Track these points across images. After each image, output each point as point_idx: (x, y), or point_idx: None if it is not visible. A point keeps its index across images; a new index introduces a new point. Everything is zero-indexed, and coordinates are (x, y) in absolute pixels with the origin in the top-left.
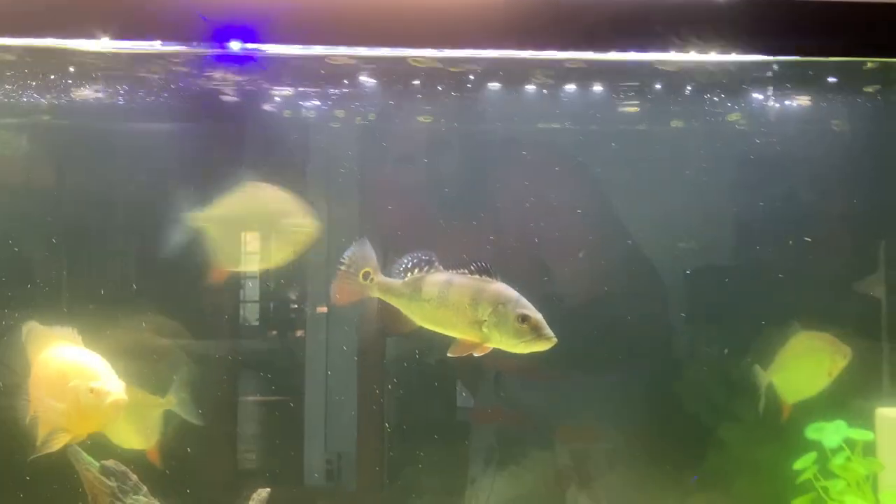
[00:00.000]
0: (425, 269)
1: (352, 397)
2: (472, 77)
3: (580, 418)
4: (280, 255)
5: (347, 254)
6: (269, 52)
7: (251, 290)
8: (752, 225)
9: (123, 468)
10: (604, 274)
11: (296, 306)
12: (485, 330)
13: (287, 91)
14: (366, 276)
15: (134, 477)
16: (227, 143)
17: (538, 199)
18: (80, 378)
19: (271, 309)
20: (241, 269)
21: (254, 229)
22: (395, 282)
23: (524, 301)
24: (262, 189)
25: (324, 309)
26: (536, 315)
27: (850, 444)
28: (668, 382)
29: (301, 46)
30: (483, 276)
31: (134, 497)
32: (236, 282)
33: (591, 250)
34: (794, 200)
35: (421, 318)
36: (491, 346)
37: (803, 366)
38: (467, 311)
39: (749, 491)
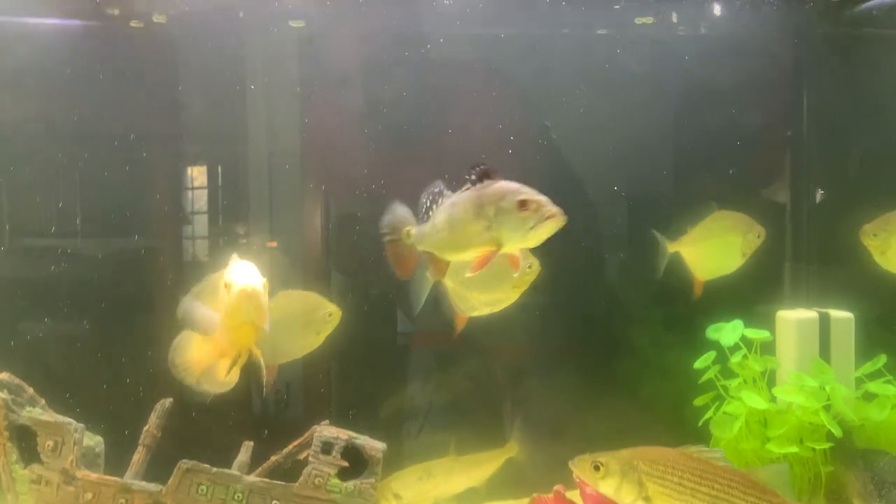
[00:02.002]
0: (439, 200)
1: None
2: None
3: (512, 338)
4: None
5: (385, 222)
6: None
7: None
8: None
9: (18, 381)
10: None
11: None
12: (493, 233)
13: None
14: (408, 235)
15: (30, 390)
16: None
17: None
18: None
19: (220, 245)
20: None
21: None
22: (424, 227)
23: (525, 188)
24: None
25: (273, 244)
26: (537, 197)
27: (748, 343)
28: (592, 297)
29: None
30: (484, 182)
31: (29, 409)
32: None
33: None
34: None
35: (444, 250)
36: (506, 249)
37: (716, 242)
38: (473, 223)
39: (657, 392)
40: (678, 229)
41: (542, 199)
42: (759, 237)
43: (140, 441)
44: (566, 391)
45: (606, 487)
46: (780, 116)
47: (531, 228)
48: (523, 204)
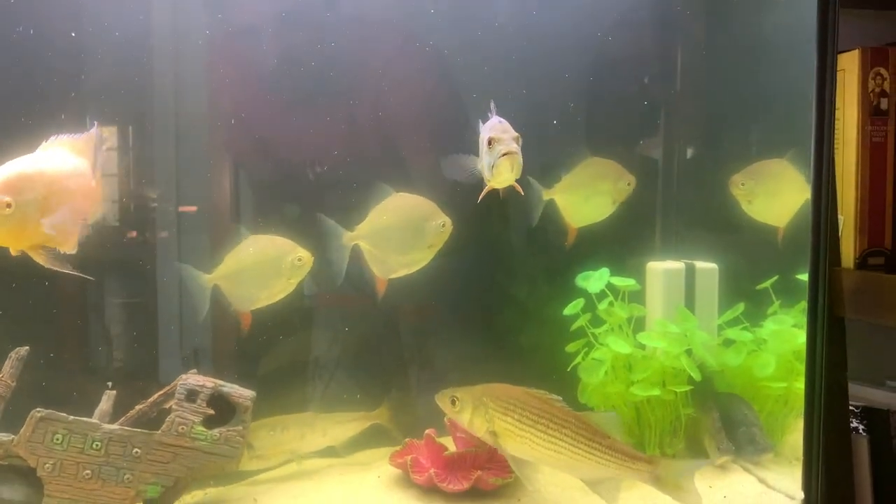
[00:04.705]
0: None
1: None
2: None
3: (418, 298)
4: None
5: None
6: None
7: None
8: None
9: None
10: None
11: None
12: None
13: None
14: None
15: None
16: None
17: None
18: None
19: (132, 209)
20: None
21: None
22: None
23: (498, 125)
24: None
25: (192, 209)
26: (501, 134)
27: (616, 291)
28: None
29: None
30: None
31: None
32: None
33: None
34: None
35: None
36: (493, 184)
37: (588, 189)
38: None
39: (534, 341)
40: (554, 177)
41: (505, 136)
42: (629, 185)
43: None
44: (446, 346)
45: (462, 420)
46: (654, 72)
47: (493, 166)
48: (489, 141)
